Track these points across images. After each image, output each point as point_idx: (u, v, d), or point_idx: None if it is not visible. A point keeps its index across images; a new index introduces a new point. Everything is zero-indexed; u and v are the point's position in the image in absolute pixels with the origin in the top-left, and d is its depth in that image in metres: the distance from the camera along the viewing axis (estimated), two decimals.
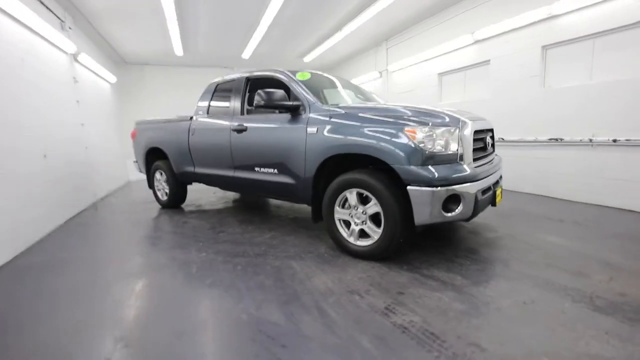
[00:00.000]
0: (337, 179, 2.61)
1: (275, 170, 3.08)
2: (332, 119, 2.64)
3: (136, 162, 5.18)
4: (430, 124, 2.27)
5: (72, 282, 2.39)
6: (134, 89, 9.08)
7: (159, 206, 4.89)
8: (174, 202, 4.67)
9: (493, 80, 5.06)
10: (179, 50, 7.37)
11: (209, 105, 3.91)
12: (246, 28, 6.40)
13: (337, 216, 2.69)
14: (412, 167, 2.22)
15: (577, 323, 1.69)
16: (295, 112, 2.90)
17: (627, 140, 3.57)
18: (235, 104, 3.56)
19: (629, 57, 3.58)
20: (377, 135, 2.35)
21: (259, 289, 2.16)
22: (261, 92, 2.85)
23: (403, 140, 2.25)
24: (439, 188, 2.17)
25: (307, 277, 2.32)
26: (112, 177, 6.91)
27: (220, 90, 3.90)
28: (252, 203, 5.01)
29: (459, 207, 2.26)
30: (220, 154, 3.63)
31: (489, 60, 5.10)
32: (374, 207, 2.44)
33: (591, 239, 2.91)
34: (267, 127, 3.14)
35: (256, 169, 3.26)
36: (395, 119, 2.35)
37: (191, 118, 4.11)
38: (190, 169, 4.14)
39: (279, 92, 2.85)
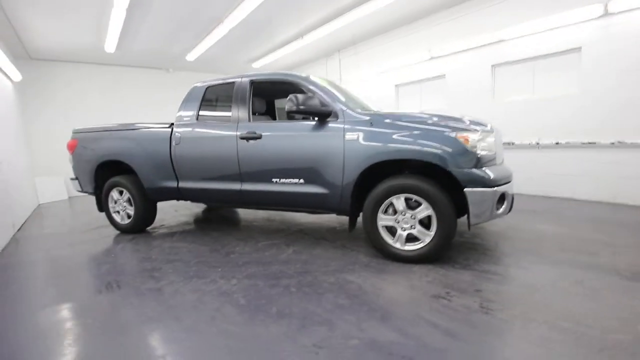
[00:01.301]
0: (382, 185, 2.58)
1: (301, 181, 2.87)
2: (374, 126, 2.61)
3: (76, 179, 4.17)
4: (479, 129, 2.44)
5: None
6: (45, 90, 7.34)
7: (116, 232, 4.03)
8: (141, 224, 3.90)
9: (449, 93, 5.71)
10: (110, 46, 6.25)
11: (199, 111, 3.42)
12: (203, 27, 5.85)
13: (381, 223, 2.64)
14: (469, 170, 2.35)
15: (629, 292, 2.02)
16: (325, 118, 2.77)
17: (567, 142, 4.45)
18: (238, 109, 3.19)
19: (563, 77, 4.49)
20: (432, 141, 2.41)
21: (341, 310, 1.97)
22: (295, 96, 2.64)
23: (458, 145, 2.36)
24: (495, 188, 2.34)
25: (377, 289, 2.21)
26: (23, 202, 5.41)
27: (211, 95, 3.46)
28: (225, 217, 4.53)
29: (503, 205, 2.47)
30: (221, 166, 3.20)
31: (444, 75, 5.75)
32: (425, 210, 2.48)
33: (566, 225, 3.51)
34: (289, 134, 2.91)
35: (274, 180, 2.98)
36: (443, 125, 2.45)
37: (171, 125, 3.53)
38: (170, 184, 3.53)
39: (313, 98, 2.68)
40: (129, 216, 3.91)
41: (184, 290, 2.35)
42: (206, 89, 3.45)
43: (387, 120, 2.60)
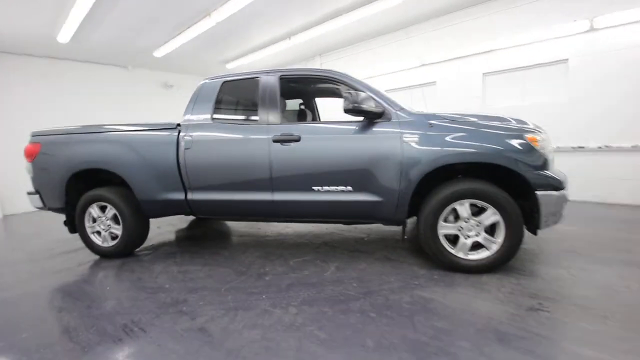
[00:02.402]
0: (444, 191, 2.40)
1: (349, 188, 2.56)
2: (435, 127, 2.42)
3: (37, 193, 3.34)
4: (542, 130, 2.39)
5: None
6: None
7: (94, 256, 3.27)
8: (130, 246, 3.22)
9: (439, 99, 5.84)
10: (65, 36, 5.27)
11: (214, 112, 2.92)
12: (180, 22, 5.23)
13: (442, 231, 2.45)
14: (540, 172, 2.27)
15: None
16: (376, 118, 2.52)
17: (557, 147, 4.76)
18: (267, 109, 2.79)
19: (551, 86, 4.82)
20: (501, 142, 2.30)
21: (447, 335, 1.71)
22: (351, 93, 2.35)
23: (529, 146, 2.28)
24: (563, 191, 2.30)
25: (464, 305, 2.00)
26: None
27: (228, 92, 2.99)
28: (221, 231, 4.00)
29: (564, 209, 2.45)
30: (247, 173, 2.75)
31: (435, 82, 5.88)
32: (491, 217, 2.35)
33: (583, 225, 3.68)
34: (334, 136, 2.59)
35: (315, 188, 2.63)
36: (508, 126, 2.36)
37: (177, 126, 2.98)
38: (175, 196, 2.96)
39: (366, 96, 2.42)
40: (113, 237, 3.21)
41: (235, 327, 1.89)
42: (221, 85, 2.97)
43: (447, 121, 2.44)
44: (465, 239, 2.43)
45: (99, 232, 3.24)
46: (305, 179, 2.64)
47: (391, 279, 2.44)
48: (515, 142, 2.29)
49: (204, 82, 3.05)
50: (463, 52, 5.38)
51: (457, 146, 2.34)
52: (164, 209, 3.06)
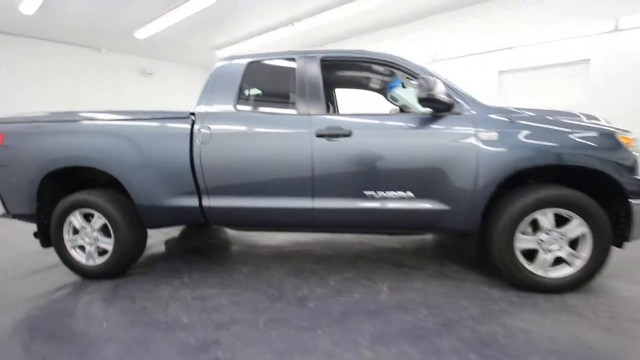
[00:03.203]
0: (523, 198, 2.04)
1: (410, 194, 2.15)
2: (514, 124, 2.07)
3: None
4: (629, 129, 2.11)
5: None
6: None
7: (74, 277, 2.62)
8: (124, 263, 2.58)
9: None
10: (30, 6, 4.39)
11: (238, 99, 2.38)
12: None
13: (519, 245, 2.10)
14: (635, 178, 1.99)
15: None
16: (444, 111, 2.12)
17: None
18: (307, 97, 2.29)
19: (570, 86, 4.70)
20: (595, 143, 1.99)
21: None
22: (426, 79, 1.93)
23: (623, 148, 1.99)
24: None
25: (574, 338, 1.65)
26: None
27: (255, 75, 2.46)
28: (222, 240, 3.44)
29: None
30: (283, 175, 2.25)
31: (447, 78, 5.62)
32: (577, 228, 2.03)
33: None
34: (394, 131, 2.16)
35: (368, 193, 2.18)
36: (599, 125, 2.06)
37: (191, 115, 2.41)
38: (187, 201, 2.39)
39: (442, 83, 2.01)
40: (101, 252, 2.57)
41: None
42: (246, 67, 2.43)
43: (526, 117, 2.10)
44: (546, 253, 2.10)
45: (82, 247, 2.58)
46: (356, 183, 2.19)
47: (463, 302, 2.05)
48: (609, 143, 1.99)
49: (221, 63, 2.50)
50: (479, 49, 5.16)
51: (544, 147, 2.00)
52: (170, 217, 2.48)
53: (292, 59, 2.39)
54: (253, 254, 3.10)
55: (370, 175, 2.17)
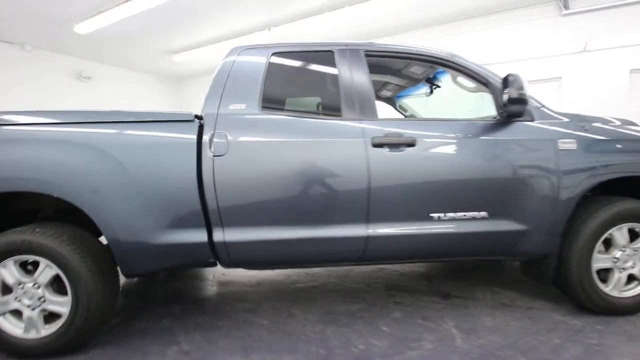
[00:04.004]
0: (601, 213, 1.84)
1: (484, 214, 1.80)
2: (590, 131, 1.88)
3: None
4: None
5: None
6: None
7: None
8: (86, 330, 1.72)
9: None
10: None
11: (262, 97, 1.81)
12: None
13: (595, 265, 1.89)
14: None
15: None
16: (519, 116, 1.84)
17: None
18: (355, 96, 1.83)
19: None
20: None
21: None
22: (516, 76, 1.63)
23: None
24: None
25: None
26: None
27: (283, 69, 1.92)
28: (202, 278, 2.74)
29: None
30: (330, 195, 1.73)
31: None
32: None
33: None
34: (465, 140, 1.81)
35: (435, 215, 1.78)
36: None
37: (199, 119, 1.76)
38: (189, 236, 1.71)
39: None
40: (48, 318, 1.72)
41: None
42: (270, 57, 1.88)
43: (599, 125, 1.94)
44: (620, 272, 1.92)
45: (18, 312, 1.71)
46: (422, 203, 1.78)
47: (555, 339, 1.74)
48: None
49: (236, 54, 1.90)
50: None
51: (625, 157, 1.85)
52: (161, 259, 1.76)
53: (329, 51, 1.92)
54: (260, 296, 2.45)
55: (438, 193, 1.78)
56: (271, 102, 1.84)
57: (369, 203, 1.75)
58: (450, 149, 1.81)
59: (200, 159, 1.69)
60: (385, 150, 1.74)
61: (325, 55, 1.92)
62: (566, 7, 4.64)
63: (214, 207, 1.70)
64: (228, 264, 1.82)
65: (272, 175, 1.72)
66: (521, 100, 1.64)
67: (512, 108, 1.69)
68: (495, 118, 1.90)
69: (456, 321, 1.97)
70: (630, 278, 1.94)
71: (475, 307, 2.13)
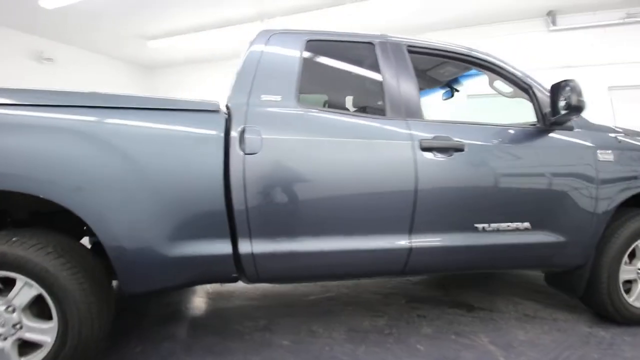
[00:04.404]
0: (629, 225, 1.85)
1: (527, 225, 1.73)
2: (623, 143, 1.88)
3: None
4: None
5: None
6: None
7: None
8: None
9: None
10: None
11: (298, 90, 1.59)
12: None
13: (622, 277, 1.89)
14: None
15: None
16: (560, 124, 1.79)
17: None
18: (400, 93, 1.67)
19: None
20: None
21: None
22: (575, 83, 1.55)
23: None
24: None
25: None
26: None
27: (319, 60, 1.71)
28: (196, 298, 2.46)
29: None
30: (373, 202, 1.56)
31: None
32: None
33: None
34: (512, 146, 1.73)
35: (480, 226, 1.67)
36: None
37: (226, 110, 1.51)
38: (209, 248, 1.44)
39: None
40: (24, 349, 1.37)
41: None
42: (306, 45, 1.66)
43: (630, 136, 1.95)
44: None
45: None
46: (468, 213, 1.67)
47: (593, 354, 1.70)
48: None
49: (266, 38, 1.66)
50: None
51: None
52: (175, 274, 1.47)
53: (369, 43, 1.75)
54: (271, 310, 2.21)
55: (484, 202, 1.68)
56: (308, 93, 1.63)
57: (414, 212, 1.60)
58: (498, 156, 1.72)
59: (228, 158, 1.44)
60: (434, 154, 1.60)
61: (364, 47, 1.75)
62: (554, 23, 4.90)
63: (242, 213, 1.45)
64: (253, 280, 1.58)
65: (311, 178, 1.51)
66: (579, 108, 1.58)
67: (567, 116, 1.63)
68: (533, 125, 1.84)
69: (490, 336, 1.88)
70: None
71: (502, 320, 2.06)
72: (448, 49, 1.85)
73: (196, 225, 1.45)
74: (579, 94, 1.55)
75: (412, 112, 1.67)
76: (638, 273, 1.94)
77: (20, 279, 1.33)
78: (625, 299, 1.91)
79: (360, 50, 1.76)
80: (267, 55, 1.62)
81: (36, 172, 1.30)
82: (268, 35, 1.68)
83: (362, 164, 1.57)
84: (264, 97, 1.54)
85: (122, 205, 1.36)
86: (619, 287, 1.88)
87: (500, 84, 2.01)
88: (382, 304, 2.30)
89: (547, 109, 1.77)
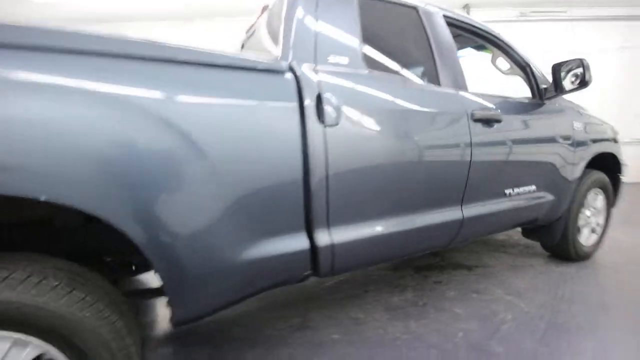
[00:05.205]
0: (585, 181, 2.31)
1: (534, 187, 1.97)
2: (584, 115, 2.30)
3: None
4: None
5: None
6: None
7: None
8: None
9: None
10: None
11: (363, 50, 1.35)
12: None
13: (578, 224, 2.38)
14: None
15: None
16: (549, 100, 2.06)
17: None
18: (448, 64, 1.61)
19: None
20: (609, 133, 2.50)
21: None
22: (587, 62, 1.77)
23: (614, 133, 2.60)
24: None
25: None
26: None
27: (372, 19, 1.48)
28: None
29: None
30: (439, 176, 1.51)
31: None
32: (601, 200, 2.52)
33: None
34: (529, 117, 1.92)
35: (508, 192, 1.82)
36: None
37: (288, 70, 1.16)
38: (287, 244, 1.16)
39: None
40: None
41: None
42: (359, 1, 1.42)
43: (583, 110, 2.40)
44: (588, 227, 2.48)
45: None
46: (502, 181, 1.81)
47: (575, 286, 2.11)
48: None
49: None
50: None
51: (605, 136, 2.36)
52: (244, 284, 1.14)
53: (414, 8, 1.63)
54: (292, 306, 1.99)
55: (511, 169, 1.84)
56: (369, 58, 1.42)
57: (467, 183, 1.63)
58: (520, 127, 1.88)
59: (305, 132, 1.16)
60: (482, 125, 1.65)
61: (410, 12, 1.62)
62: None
63: (321, 199, 1.21)
64: (325, 274, 1.35)
65: (389, 152, 1.35)
66: (588, 83, 1.84)
67: (572, 90, 1.89)
68: (531, 99, 2.08)
69: (500, 288, 2.12)
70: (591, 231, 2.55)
71: (499, 273, 2.34)
72: (473, 24, 1.90)
73: (270, 218, 1.14)
74: (588, 67, 1.81)
75: (459, 83, 1.66)
76: (586, 219, 2.47)
77: (7, 339, 0.82)
78: (579, 242, 2.42)
79: (406, 14, 1.62)
80: (325, 10, 1.34)
81: (39, 164, 0.78)
82: None
83: (434, 136, 1.50)
84: (331, 58, 1.28)
85: (182, 205, 0.96)
86: (577, 232, 2.37)
87: (500, 62, 2.19)
88: (396, 278, 2.33)
89: (543, 85, 2.02)
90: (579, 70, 1.82)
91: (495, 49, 2.07)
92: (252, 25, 1.84)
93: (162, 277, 0.97)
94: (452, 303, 1.95)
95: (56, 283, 0.86)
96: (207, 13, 5.33)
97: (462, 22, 1.85)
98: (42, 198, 0.77)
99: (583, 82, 1.84)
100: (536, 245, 2.75)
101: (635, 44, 6.22)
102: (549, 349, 1.51)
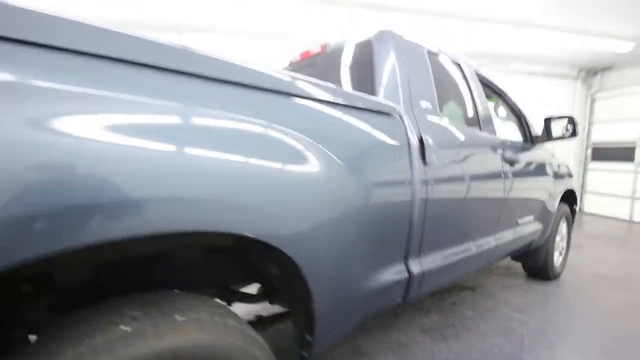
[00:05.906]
0: (560, 210, 2.79)
1: (532, 217, 2.34)
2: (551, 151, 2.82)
3: None
4: None
5: None
6: None
7: None
8: None
9: None
10: None
11: (436, 93, 1.55)
12: None
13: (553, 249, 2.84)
14: None
15: None
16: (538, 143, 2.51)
17: None
18: (483, 112, 1.92)
19: None
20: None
21: None
22: (575, 119, 2.21)
23: None
24: None
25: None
26: None
27: (437, 68, 1.70)
28: None
29: None
30: (486, 207, 1.75)
31: None
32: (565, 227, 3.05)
33: None
34: (529, 155, 2.31)
35: (518, 221, 2.16)
36: None
37: (388, 112, 1.28)
38: (390, 273, 1.24)
39: None
40: None
41: None
42: (428, 54, 1.62)
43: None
44: (558, 250, 2.97)
45: None
46: (516, 212, 2.12)
47: (558, 301, 2.49)
48: None
49: (391, 40, 1.51)
50: None
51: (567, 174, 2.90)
52: (360, 312, 1.18)
53: (459, 63, 1.90)
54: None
55: (521, 202, 2.16)
56: (440, 104, 1.62)
57: (499, 214, 1.89)
58: (525, 166, 2.24)
59: (412, 169, 1.28)
60: (508, 165, 1.95)
61: (455, 66, 1.89)
62: None
63: (418, 229, 1.33)
64: (410, 301, 1.44)
65: (466, 188, 1.54)
66: (576, 134, 2.29)
67: (561, 139, 2.34)
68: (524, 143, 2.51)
69: (505, 306, 2.40)
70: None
71: (497, 293, 2.65)
72: (489, 77, 2.26)
73: (383, 249, 1.22)
74: (576, 125, 2.27)
75: (489, 127, 1.96)
76: (557, 244, 2.95)
77: None
78: (554, 263, 2.87)
79: (454, 67, 1.89)
80: (410, 60, 1.51)
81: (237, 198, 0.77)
82: (392, 37, 1.55)
83: (488, 173, 1.74)
84: (423, 104, 1.45)
85: (332, 233, 0.99)
86: (553, 255, 2.83)
87: (500, 110, 2.60)
88: (417, 301, 2.48)
89: (534, 131, 2.46)
90: (569, 126, 2.31)
91: (499, 100, 2.48)
92: (307, 58, 1.93)
93: (317, 305, 0.97)
94: (475, 322, 2.16)
95: (234, 323, 0.82)
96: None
97: (483, 76, 2.21)
98: (251, 234, 0.76)
99: (574, 133, 2.33)
100: (514, 266, 3.18)
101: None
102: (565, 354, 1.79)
